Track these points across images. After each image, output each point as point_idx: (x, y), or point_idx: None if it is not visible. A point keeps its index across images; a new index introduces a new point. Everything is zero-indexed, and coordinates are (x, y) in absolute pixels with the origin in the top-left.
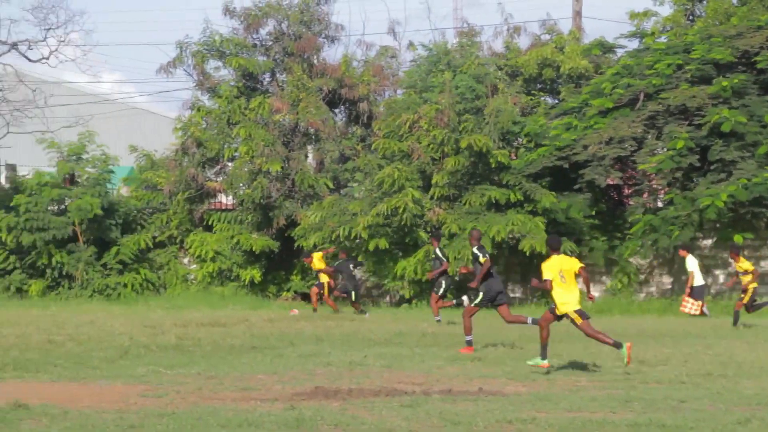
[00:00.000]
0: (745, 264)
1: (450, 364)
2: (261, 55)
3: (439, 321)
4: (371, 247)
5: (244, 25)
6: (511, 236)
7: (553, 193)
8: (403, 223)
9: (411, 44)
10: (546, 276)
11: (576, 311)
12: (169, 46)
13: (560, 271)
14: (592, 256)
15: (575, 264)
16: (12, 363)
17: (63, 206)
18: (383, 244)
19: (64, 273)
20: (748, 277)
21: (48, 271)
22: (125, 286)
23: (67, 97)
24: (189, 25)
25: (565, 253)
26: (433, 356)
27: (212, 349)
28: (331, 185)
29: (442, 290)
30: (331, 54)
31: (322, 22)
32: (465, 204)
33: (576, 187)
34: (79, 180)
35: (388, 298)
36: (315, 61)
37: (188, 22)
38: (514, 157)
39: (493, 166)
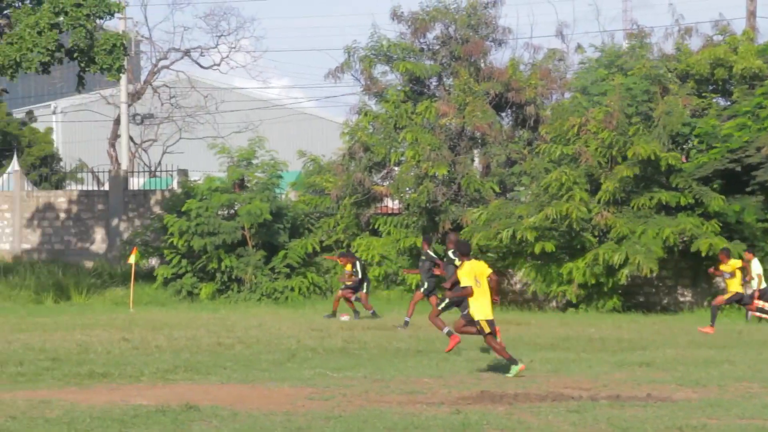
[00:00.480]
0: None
1: (618, 369)
2: (428, 60)
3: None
4: (537, 250)
5: (412, 29)
6: (682, 239)
7: (722, 196)
8: (571, 226)
9: (579, 47)
10: (465, 283)
11: (486, 321)
12: (337, 52)
13: (475, 276)
14: (767, 260)
15: (486, 269)
16: (183, 365)
17: (233, 211)
18: (549, 247)
19: (233, 277)
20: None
21: (218, 274)
22: (292, 289)
23: (237, 102)
24: (356, 30)
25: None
26: (601, 361)
27: (378, 353)
28: (497, 189)
29: (424, 288)
30: (498, 57)
31: (489, 26)
32: (633, 207)
33: (748, 189)
34: (248, 185)
35: (554, 303)
36: (482, 65)
37: (356, 27)
38: (685, 160)
39: (663, 169)
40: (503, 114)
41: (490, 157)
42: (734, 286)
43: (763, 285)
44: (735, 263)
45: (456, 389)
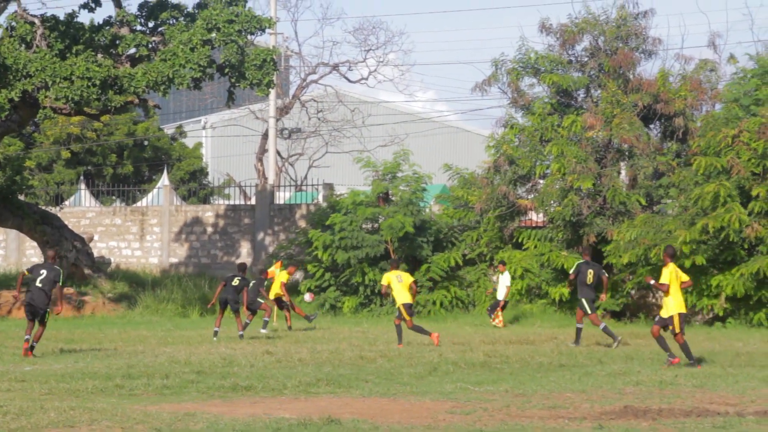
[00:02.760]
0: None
1: (765, 384)
2: (576, 71)
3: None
4: (688, 264)
5: (560, 41)
6: None
7: None
8: (727, 239)
9: (731, 57)
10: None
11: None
12: (484, 65)
13: (397, 275)
14: None
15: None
16: (325, 378)
17: (376, 224)
18: (700, 260)
19: (376, 290)
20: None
21: (361, 288)
22: (435, 303)
23: (384, 116)
24: (504, 43)
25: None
26: (748, 377)
27: (520, 367)
28: (643, 202)
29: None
30: (647, 68)
31: (639, 37)
32: None
33: None
34: (392, 198)
35: (699, 316)
36: (630, 76)
37: (502, 39)
38: None
39: None
40: (651, 126)
41: (637, 169)
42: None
43: None
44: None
45: (598, 404)
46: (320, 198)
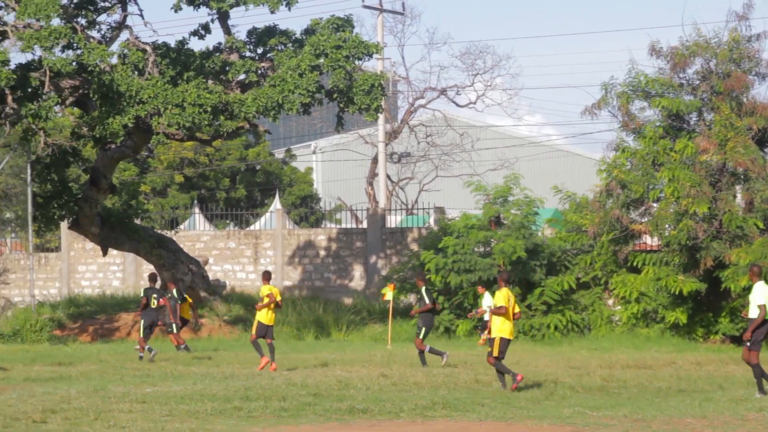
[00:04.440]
0: None
1: None
2: (687, 95)
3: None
4: None
5: (671, 64)
6: None
7: None
8: None
9: None
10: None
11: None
12: (593, 88)
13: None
14: None
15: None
16: (441, 402)
17: (488, 248)
18: None
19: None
20: None
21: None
22: (549, 327)
23: (492, 140)
24: (614, 67)
25: None
26: None
27: (638, 392)
28: (761, 225)
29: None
30: (762, 92)
31: (752, 60)
32: None
33: None
34: (504, 222)
35: None
36: (744, 99)
37: (610, 63)
38: None
39: None
40: (767, 149)
41: (753, 192)
42: None
43: None
44: None
45: (721, 430)
46: (431, 221)
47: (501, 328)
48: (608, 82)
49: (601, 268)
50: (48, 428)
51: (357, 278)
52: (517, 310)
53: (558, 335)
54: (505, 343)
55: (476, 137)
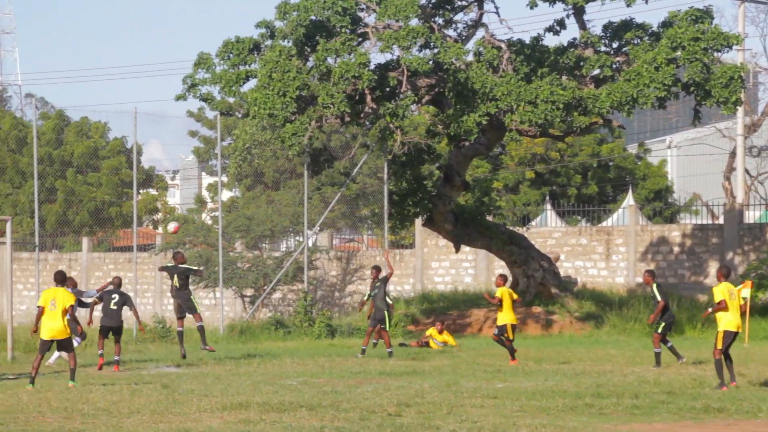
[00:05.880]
0: None
1: None
2: None
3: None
4: None
5: None
6: None
7: None
8: None
9: None
10: (39, 303)
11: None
12: None
13: (53, 299)
14: None
15: (69, 299)
16: None
17: None
18: None
19: None
20: None
21: None
22: None
23: None
24: None
25: None
26: None
27: None
28: None
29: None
30: None
31: None
32: None
33: None
34: None
35: None
36: None
37: None
38: None
39: None
40: None
41: None
42: None
43: None
44: None
45: None
46: None
47: (726, 321)
48: None
49: None
50: (402, 421)
51: (712, 275)
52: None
53: None
54: (729, 336)
55: None
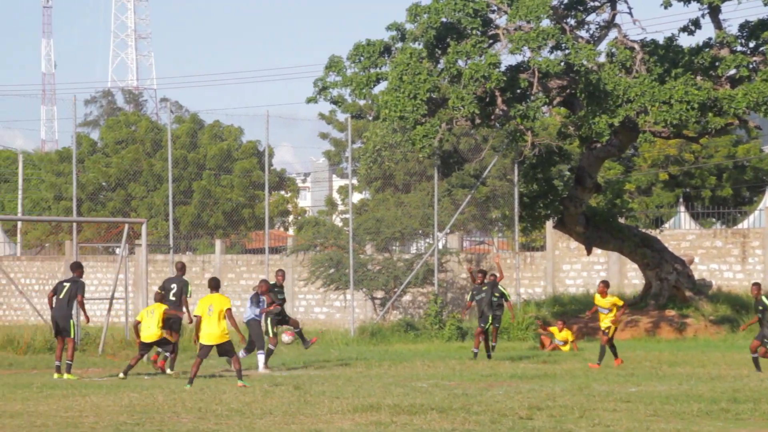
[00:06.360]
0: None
1: None
2: None
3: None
4: None
5: None
6: None
7: None
8: None
9: None
10: (196, 312)
11: (211, 345)
12: None
13: (209, 305)
14: None
15: (225, 302)
16: None
17: None
18: None
19: None
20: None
21: None
22: None
23: None
24: None
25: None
26: None
27: None
28: None
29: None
30: None
31: None
32: None
33: None
34: None
35: None
36: None
37: None
38: None
39: None
40: None
41: None
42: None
43: None
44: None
45: None
46: None
47: None
48: None
49: None
50: (534, 425)
51: None
52: None
53: None
54: None
55: None
